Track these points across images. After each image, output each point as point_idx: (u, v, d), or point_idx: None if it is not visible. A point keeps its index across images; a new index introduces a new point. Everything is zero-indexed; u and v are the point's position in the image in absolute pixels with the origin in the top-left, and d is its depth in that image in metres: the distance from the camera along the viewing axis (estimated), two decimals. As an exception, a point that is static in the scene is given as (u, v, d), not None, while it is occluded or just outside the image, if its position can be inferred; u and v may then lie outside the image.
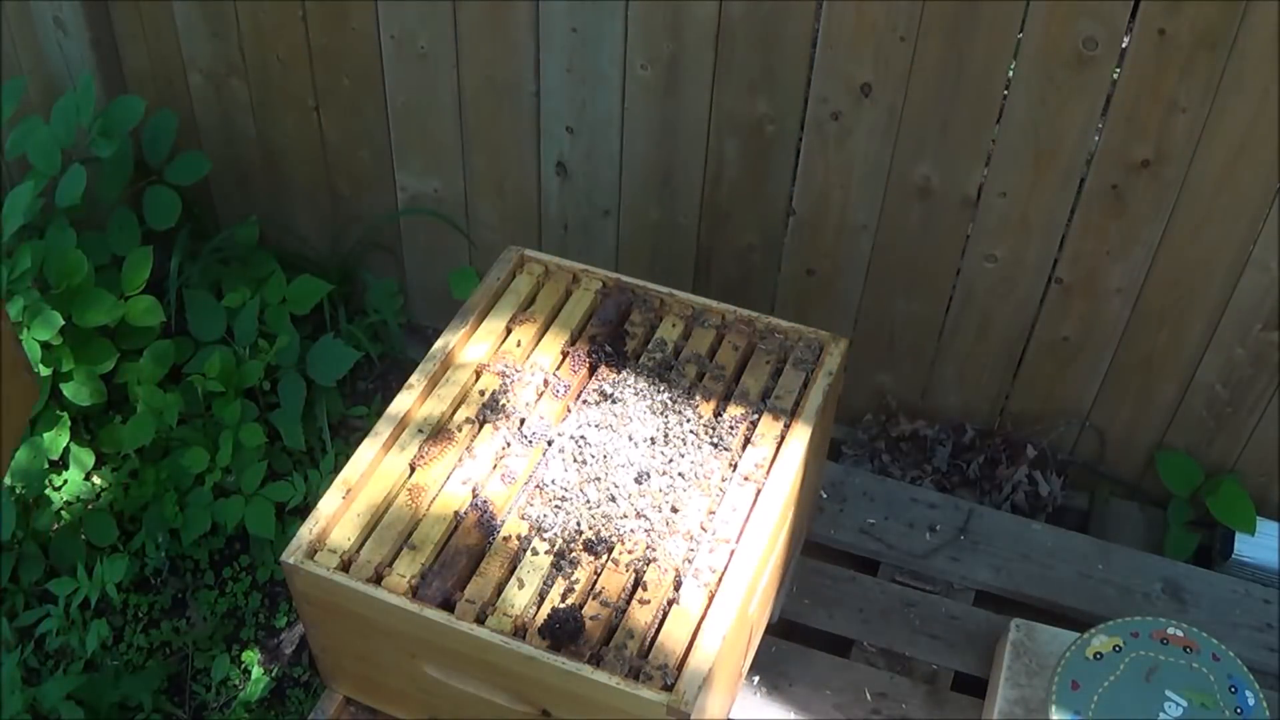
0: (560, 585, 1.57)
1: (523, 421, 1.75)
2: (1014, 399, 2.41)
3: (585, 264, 1.97)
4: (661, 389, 1.79)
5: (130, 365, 2.52)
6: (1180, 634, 1.87)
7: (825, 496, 2.30)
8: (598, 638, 1.53)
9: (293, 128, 2.60)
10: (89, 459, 2.52)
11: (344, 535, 1.62)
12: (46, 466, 2.46)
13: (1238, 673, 1.83)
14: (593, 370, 1.84)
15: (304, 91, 2.53)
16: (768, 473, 1.69)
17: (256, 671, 2.42)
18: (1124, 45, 1.92)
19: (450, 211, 2.60)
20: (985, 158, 2.11)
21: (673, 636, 1.52)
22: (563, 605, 1.55)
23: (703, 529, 1.63)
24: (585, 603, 1.56)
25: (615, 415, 1.76)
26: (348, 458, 1.70)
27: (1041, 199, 2.12)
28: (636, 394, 1.78)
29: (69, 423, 2.49)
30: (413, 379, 1.79)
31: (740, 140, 2.24)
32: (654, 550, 1.61)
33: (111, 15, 2.58)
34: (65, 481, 2.52)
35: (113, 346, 2.48)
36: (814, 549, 2.24)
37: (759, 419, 1.76)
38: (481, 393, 1.79)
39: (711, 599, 1.56)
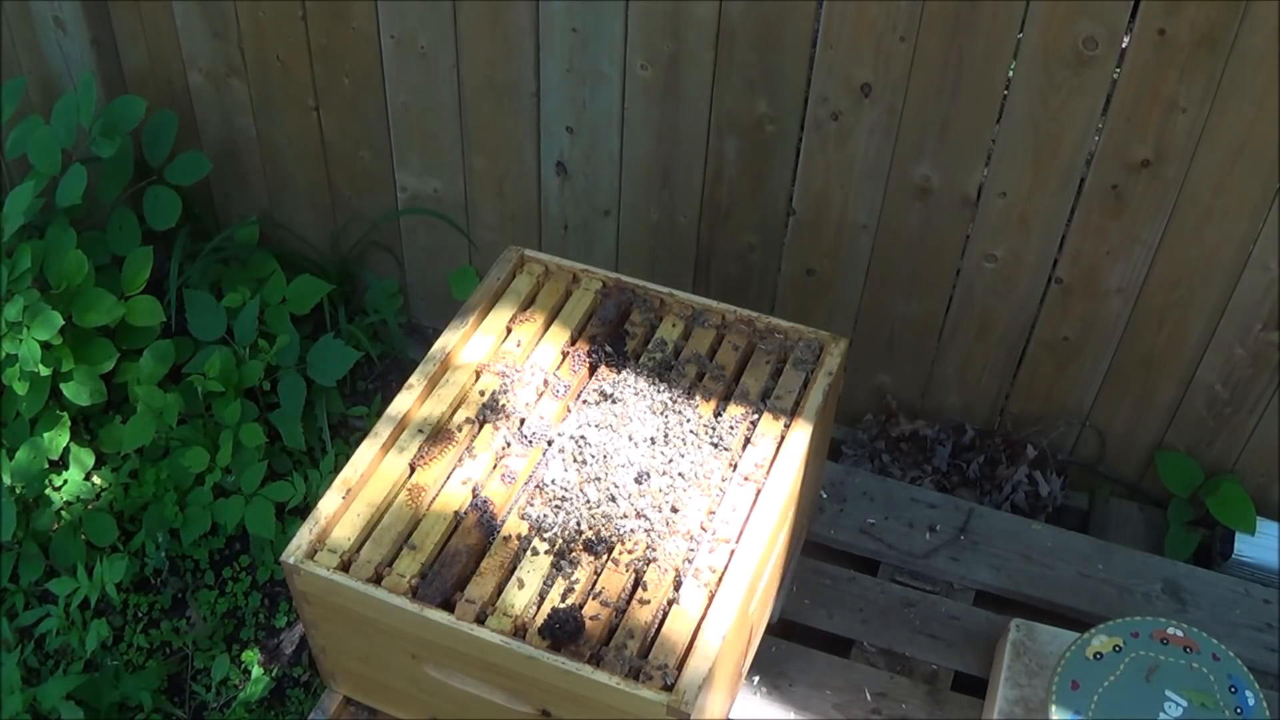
0: (560, 585, 1.57)
1: (523, 421, 1.75)
2: (1014, 399, 2.41)
3: (585, 264, 1.97)
4: (661, 389, 1.79)
5: (130, 365, 2.52)
6: (1180, 634, 1.87)
7: (825, 496, 2.30)
8: (598, 638, 1.53)
9: (293, 128, 2.60)
10: (89, 459, 2.52)
11: (344, 535, 1.62)
12: (46, 466, 2.46)
13: (1238, 673, 1.83)
14: (593, 370, 1.84)
15: (304, 91, 2.53)
16: (768, 473, 1.69)
17: (256, 671, 2.42)
18: (1124, 45, 1.92)
19: (450, 211, 2.60)
20: (985, 157, 2.11)
21: (673, 636, 1.52)
22: (563, 605, 1.55)
23: (703, 529, 1.63)
24: (585, 603, 1.56)
25: (615, 415, 1.76)
26: (348, 458, 1.70)
27: (1041, 199, 2.12)
28: (636, 394, 1.78)
29: (69, 423, 2.49)
30: (412, 379, 1.79)
31: (740, 140, 2.24)
32: (654, 550, 1.61)
33: (111, 15, 2.59)
34: (65, 481, 2.52)
35: (113, 346, 2.49)
36: (814, 549, 2.24)
37: (759, 419, 1.76)
38: (481, 393, 1.79)
39: (711, 599, 1.56)
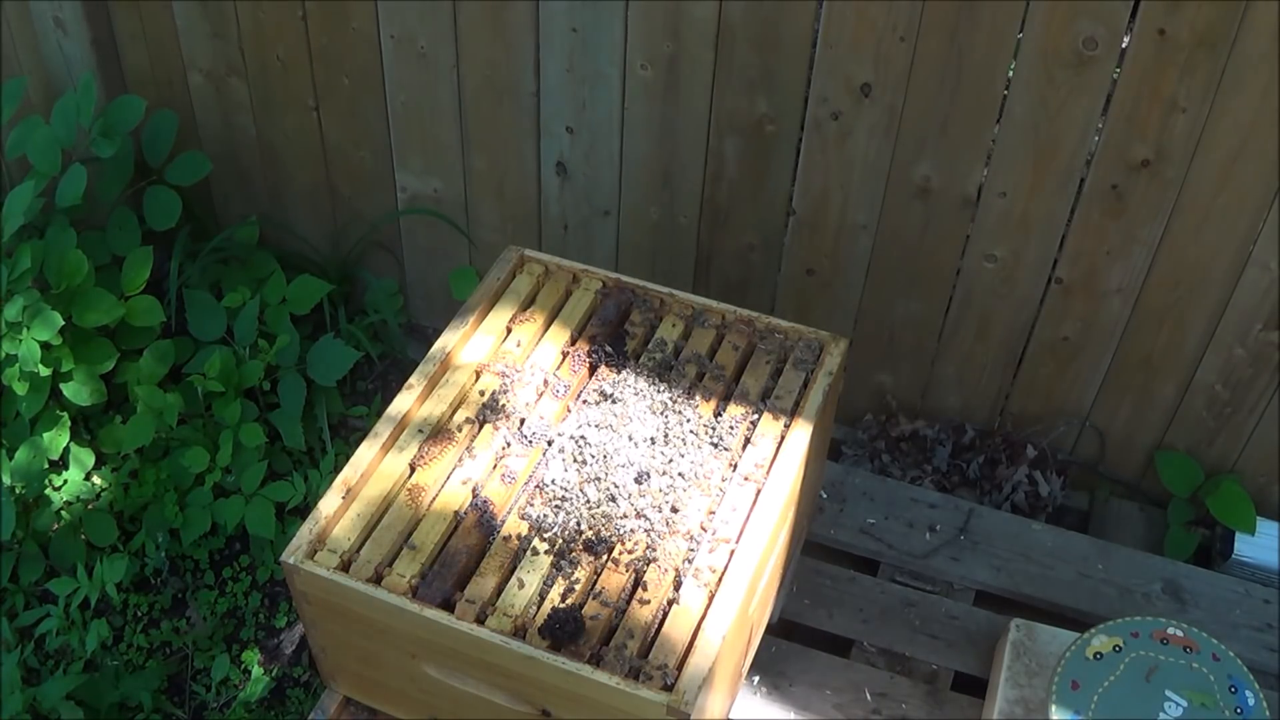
0: (560, 585, 1.57)
1: (523, 421, 1.75)
2: (1014, 399, 2.41)
3: (585, 264, 1.97)
4: (661, 389, 1.79)
5: (130, 365, 2.52)
6: (1180, 634, 1.87)
7: (825, 496, 2.30)
8: (598, 638, 1.53)
9: (293, 128, 2.60)
10: (89, 459, 2.52)
11: (344, 535, 1.62)
12: (46, 466, 2.46)
13: (1238, 673, 1.83)
14: (593, 370, 1.84)
15: (304, 91, 2.53)
16: (768, 473, 1.69)
17: (256, 671, 2.42)
18: (1124, 45, 1.92)
19: (450, 211, 2.60)
20: (985, 158, 2.11)
21: (673, 636, 1.52)
22: (563, 605, 1.55)
23: (703, 529, 1.63)
24: (585, 603, 1.56)
25: (615, 415, 1.76)
26: (348, 458, 1.70)
27: (1041, 199, 2.12)
28: (636, 394, 1.78)
29: (69, 423, 2.49)
30: (412, 379, 1.79)
31: (740, 140, 2.24)
32: (654, 550, 1.61)
33: (111, 15, 2.59)
34: (65, 481, 2.52)
35: (113, 346, 2.49)
36: (814, 549, 2.24)
37: (759, 419, 1.76)
38: (481, 393, 1.79)
39: (711, 599, 1.56)
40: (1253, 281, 2.09)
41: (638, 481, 1.68)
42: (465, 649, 1.55)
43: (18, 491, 2.44)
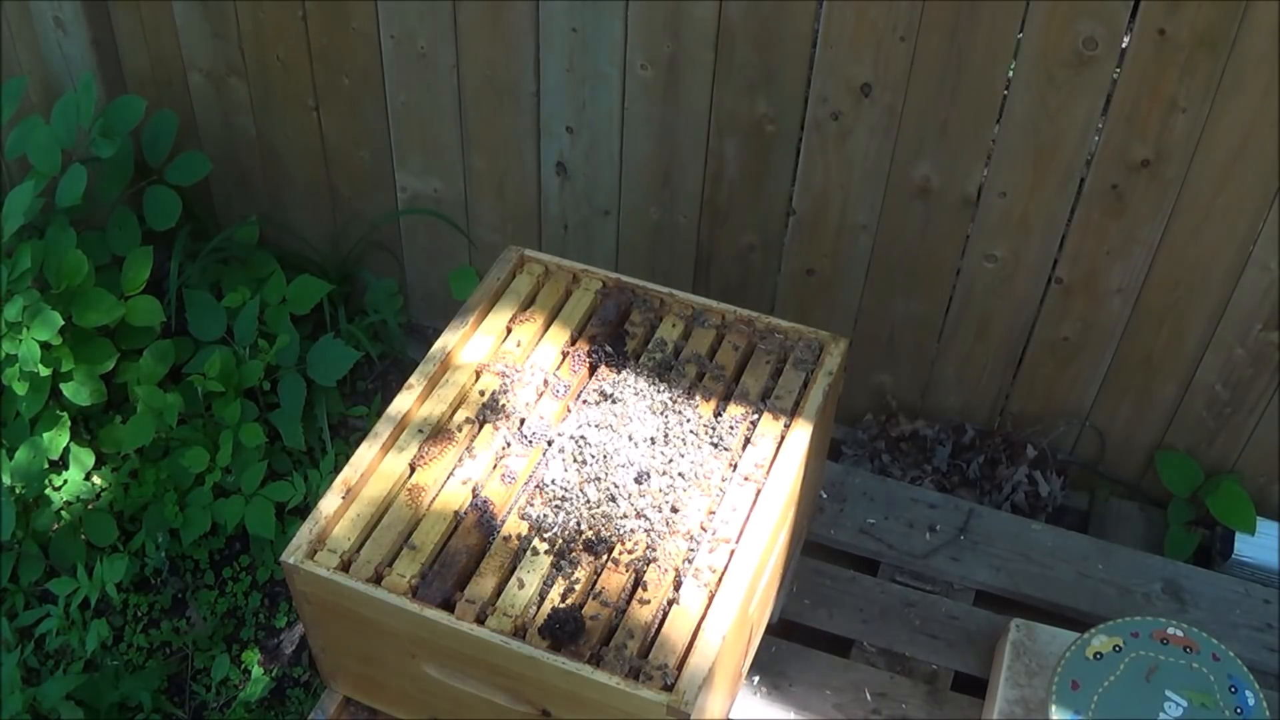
0: (560, 585, 1.57)
1: (523, 421, 1.75)
2: (1014, 399, 2.41)
3: (585, 264, 1.97)
4: (661, 389, 1.79)
5: (130, 365, 2.52)
6: (1180, 634, 1.87)
7: (825, 496, 2.30)
8: (598, 638, 1.53)
9: (293, 128, 2.60)
10: (89, 459, 2.52)
11: (344, 535, 1.62)
12: (46, 466, 2.46)
13: (1238, 673, 1.83)
14: (593, 370, 1.84)
15: (304, 91, 2.53)
16: (768, 473, 1.69)
17: (256, 671, 2.42)
18: (1124, 45, 1.92)
19: (450, 211, 2.60)
20: (985, 158, 2.11)
21: (673, 636, 1.52)
22: (563, 605, 1.55)
23: (703, 529, 1.63)
24: (585, 603, 1.56)
25: (615, 415, 1.76)
26: (348, 458, 1.70)
27: (1041, 199, 2.12)
28: (636, 394, 1.78)
29: (69, 423, 2.49)
30: (412, 379, 1.79)
31: (740, 140, 2.24)
32: (654, 550, 1.61)
33: (111, 15, 2.59)
34: (65, 481, 2.52)
35: (113, 346, 2.49)
36: (814, 549, 2.24)
37: (759, 419, 1.76)
38: (481, 393, 1.79)
39: (711, 599, 1.56)
40: (1253, 281, 2.09)
41: (638, 481, 1.68)
42: (465, 649, 1.55)
43: (18, 491, 2.44)
